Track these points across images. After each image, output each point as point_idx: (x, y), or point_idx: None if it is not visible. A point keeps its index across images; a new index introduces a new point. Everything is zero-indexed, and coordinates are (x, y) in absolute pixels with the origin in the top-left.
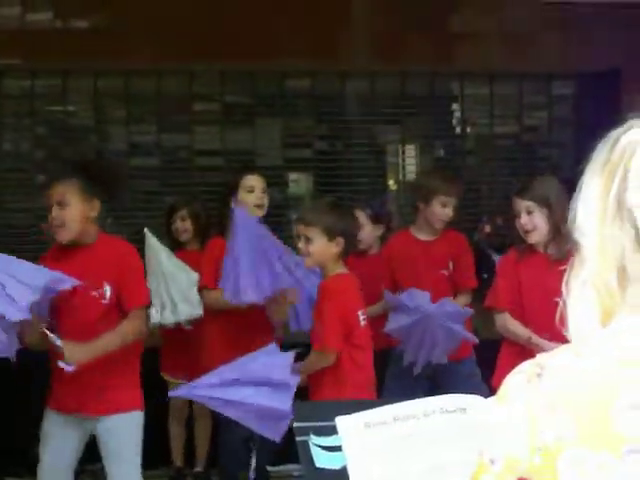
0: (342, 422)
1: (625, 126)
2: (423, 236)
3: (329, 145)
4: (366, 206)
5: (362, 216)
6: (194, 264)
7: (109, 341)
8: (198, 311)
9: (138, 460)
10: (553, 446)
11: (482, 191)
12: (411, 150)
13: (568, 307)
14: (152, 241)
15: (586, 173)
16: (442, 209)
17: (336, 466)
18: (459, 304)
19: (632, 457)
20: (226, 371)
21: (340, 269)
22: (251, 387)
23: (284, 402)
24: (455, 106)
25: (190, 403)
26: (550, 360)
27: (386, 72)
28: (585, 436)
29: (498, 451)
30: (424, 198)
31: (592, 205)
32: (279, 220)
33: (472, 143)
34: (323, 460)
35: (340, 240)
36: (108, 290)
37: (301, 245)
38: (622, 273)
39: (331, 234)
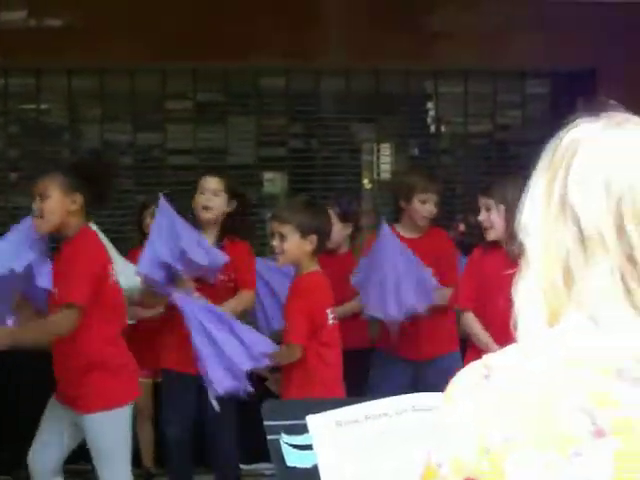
0: (313, 420)
1: (571, 125)
2: (408, 234)
3: (304, 143)
4: (335, 204)
5: (331, 214)
6: None
7: (30, 333)
8: (135, 283)
9: (127, 456)
10: (501, 448)
11: (457, 189)
12: (386, 148)
13: (516, 309)
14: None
15: (534, 173)
16: (422, 206)
17: (307, 465)
18: (441, 299)
19: (578, 459)
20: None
21: (314, 267)
22: (233, 337)
23: (244, 364)
24: (430, 105)
25: (156, 404)
26: (497, 361)
27: (361, 70)
28: (532, 437)
29: (445, 453)
30: (405, 196)
31: (537, 205)
32: (254, 219)
33: (447, 142)
34: (294, 459)
35: (313, 238)
36: None
37: (275, 243)
38: (567, 273)
39: (305, 232)
